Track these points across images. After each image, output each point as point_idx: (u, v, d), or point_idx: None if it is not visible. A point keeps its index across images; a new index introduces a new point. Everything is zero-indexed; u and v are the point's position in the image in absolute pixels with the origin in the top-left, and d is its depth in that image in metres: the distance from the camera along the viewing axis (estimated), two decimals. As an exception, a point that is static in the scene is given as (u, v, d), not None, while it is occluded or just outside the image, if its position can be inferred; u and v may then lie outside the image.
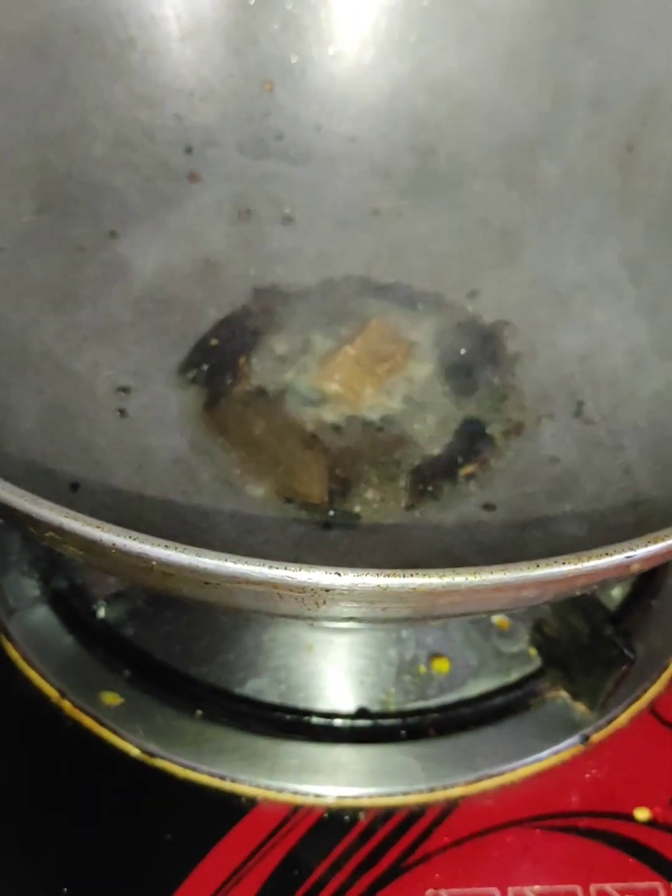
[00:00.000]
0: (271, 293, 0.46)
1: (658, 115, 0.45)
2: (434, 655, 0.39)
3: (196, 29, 0.47)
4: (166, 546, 0.22)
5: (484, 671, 0.39)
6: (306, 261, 0.47)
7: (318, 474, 0.39)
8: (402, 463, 0.40)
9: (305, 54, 0.48)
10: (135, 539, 0.22)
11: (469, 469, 0.40)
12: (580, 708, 0.38)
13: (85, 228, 0.44)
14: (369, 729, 0.37)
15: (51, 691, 0.38)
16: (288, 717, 0.37)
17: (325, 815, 0.35)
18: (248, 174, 0.48)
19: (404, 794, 0.36)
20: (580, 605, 0.36)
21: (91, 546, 0.23)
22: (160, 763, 0.36)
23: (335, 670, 0.39)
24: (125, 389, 0.41)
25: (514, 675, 0.39)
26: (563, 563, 0.23)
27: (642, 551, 0.24)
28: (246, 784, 0.35)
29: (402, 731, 0.37)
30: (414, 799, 0.36)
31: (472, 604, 0.26)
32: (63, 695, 0.37)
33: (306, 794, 0.35)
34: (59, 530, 0.23)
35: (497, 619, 0.40)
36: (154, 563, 0.22)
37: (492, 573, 0.22)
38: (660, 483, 0.36)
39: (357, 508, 0.39)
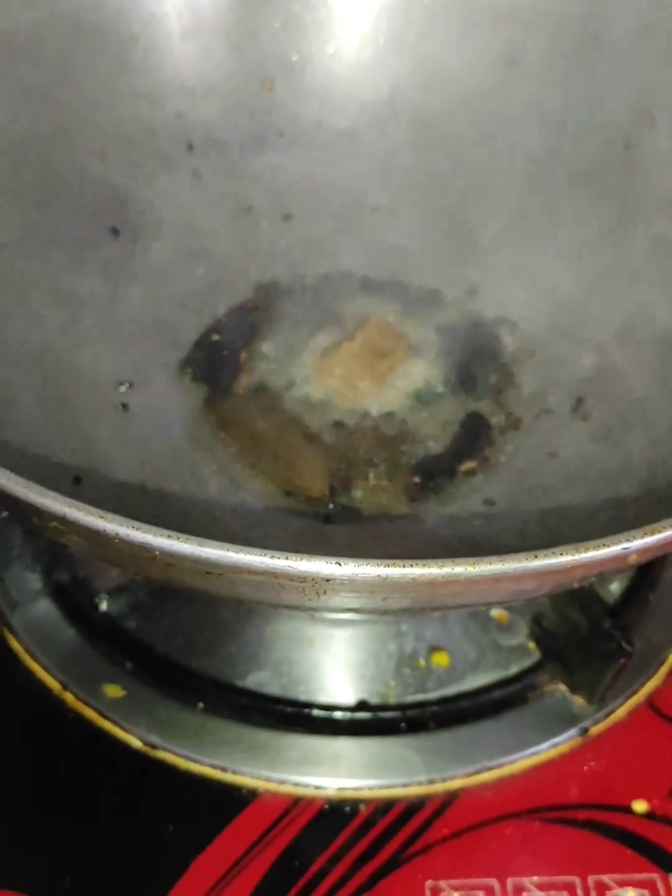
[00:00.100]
0: (272, 289, 0.46)
1: (657, 114, 0.45)
2: (433, 649, 0.39)
3: (197, 26, 0.47)
4: (169, 536, 0.22)
5: (483, 664, 0.39)
6: (307, 257, 0.47)
7: (319, 469, 0.40)
8: (403, 458, 0.41)
9: (306, 52, 0.48)
10: (138, 529, 0.22)
11: (469, 464, 0.41)
12: (579, 701, 0.38)
13: (86, 225, 0.44)
14: (369, 721, 0.38)
15: (53, 684, 0.38)
16: (289, 709, 0.38)
17: (326, 806, 0.35)
18: (249, 171, 0.48)
19: (404, 786, 0.36)
20: (579, 598, 0.37)
21: (94, 536, 0.23)
22: (162, 755, 0.36)
23: (336, 664, 0.39)
24: (127, 384, 0.41)
25: (513, 669, 0.39)
26: (561, 555, 0.23)
27: (639, 543, 0.24)
28: (247, 776, 0.36)
29: (402, 724, 0.37)
30: (414, 791, 0.36)
31: (471, 595, 0.26)
32: (65, 687, 0.38)
33: (307, 786, 0.36)
34: (63, 520, 0.23)
35: (496, 612, 0.40)
36: (157, 552, 0.22)
37: (490, 564, 0.23)
38: (658, 477, 0.36)
39: (358, 503, 0.39)
